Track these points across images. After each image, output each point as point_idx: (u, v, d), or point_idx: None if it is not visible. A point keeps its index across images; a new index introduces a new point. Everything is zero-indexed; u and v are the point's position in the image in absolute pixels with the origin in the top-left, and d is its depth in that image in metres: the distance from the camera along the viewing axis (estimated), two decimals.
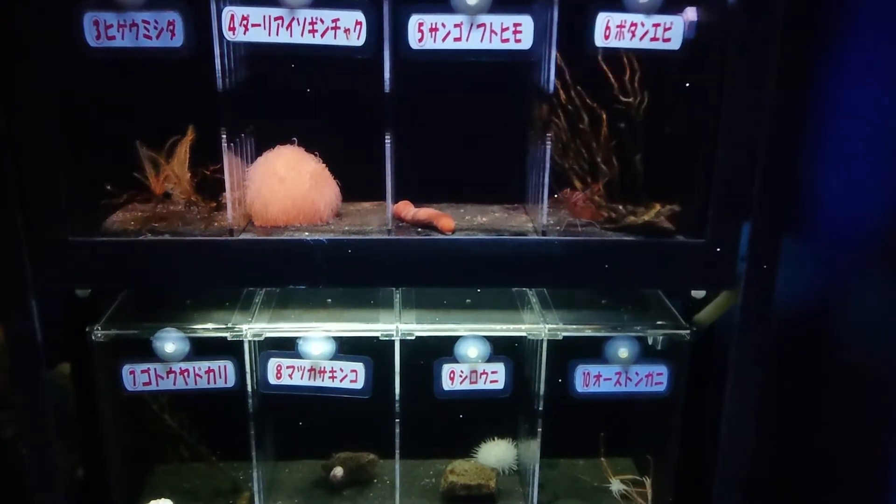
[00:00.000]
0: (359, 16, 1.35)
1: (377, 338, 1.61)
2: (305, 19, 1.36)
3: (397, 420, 1.66)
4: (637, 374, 1.62)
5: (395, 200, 1.54)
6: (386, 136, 1.43)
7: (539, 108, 1.50)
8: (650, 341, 1.66)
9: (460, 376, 1.61)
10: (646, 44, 1.40)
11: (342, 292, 1.77)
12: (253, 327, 1.60)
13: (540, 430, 1.68)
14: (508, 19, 1.37)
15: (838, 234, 1.57)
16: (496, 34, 1.37)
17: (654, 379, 1.63)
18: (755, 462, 1.57)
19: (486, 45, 1.38)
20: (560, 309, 1.70)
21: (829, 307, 1.59)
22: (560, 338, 1.62)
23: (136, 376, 1.59)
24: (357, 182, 1.63)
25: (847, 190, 1.54)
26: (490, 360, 1.61)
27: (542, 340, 1.62)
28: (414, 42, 1.37)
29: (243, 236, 1.48)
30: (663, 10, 1.39)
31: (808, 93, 1.47)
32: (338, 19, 1.36)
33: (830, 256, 1.59)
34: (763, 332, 1.49)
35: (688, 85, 1.52)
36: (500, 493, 1.85)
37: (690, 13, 1.41)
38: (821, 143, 1.59)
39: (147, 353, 1.58)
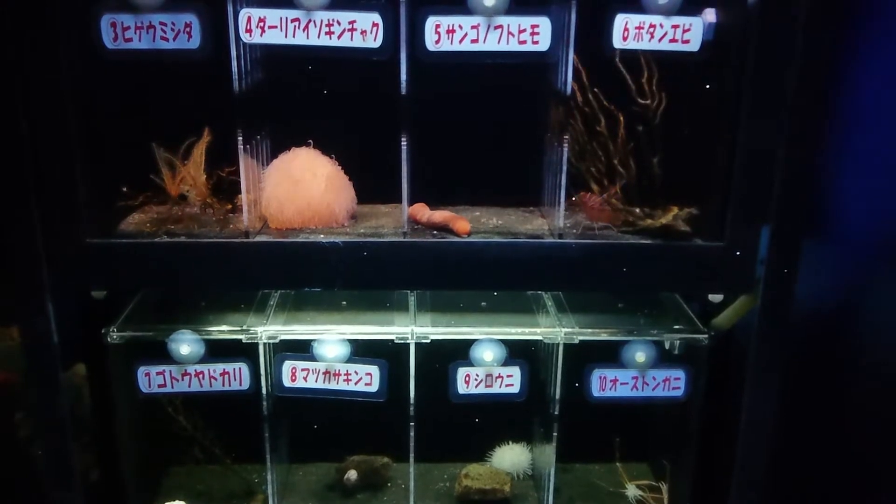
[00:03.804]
0: (375, 17, 1.35)
1: (392, 341, 1.60)
2: (322, 21, 1.36)
3: (412, 423, 1.66)
4: (654, 378, 1.61)
5: (411, 203, 1.53)
6: (402, 138, 1.43)
7: (556, 109, 1.49)
8: (667, 345, 1.64)
9: (475, 380, 1.60)
10: (664, 45, 1.39)
11: (357, 295, 1.77)
12: (268, 329, 1.60)
13: (556, 434, 1.67)
14: (526, 21, 1.36)
15: (858, 237, 1.55)
16: (513, 36, 1.37)
17: (671, 383, 1.62)
18: (773, 467, 1.56)
19: (503, 47, 1.37)
20: (576, 312, 1.69)
21: (849, 310, 1.58)
22: (576, 341, 1.61)
23: (152, 378, 1.59)
24: (373, 184, 1.63)
25: (867, 192, 1.52)
26: (506, 363, 1.60)
27: (558, 344, 1.62)
28: (431, 44, 1.36)
29: (258, 238, 1.48)
30: (682, 11, 1.38)
31: (828, 94, 1.45)
32: (354, 21, 1.36)
33: (850, 259, 1.57)
34: (782, 337, 1.48)
35: (706, 87, 1.50)
36: (514, 498, 1.84)
37: (709, 14, 1.39)
38: (841, 145, 1.57)
39: (162, 354, 1.58)
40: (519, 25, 1.36)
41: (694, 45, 1.40)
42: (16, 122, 1.33)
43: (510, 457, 1.92)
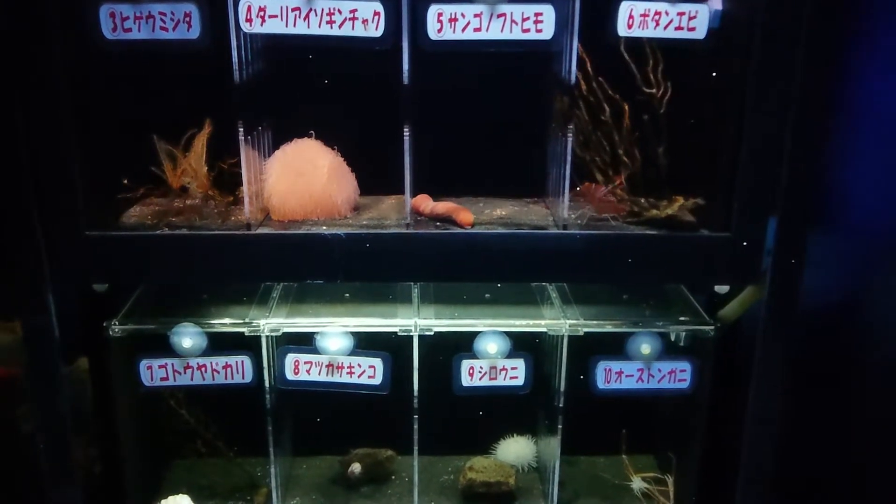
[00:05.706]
0: (377, 6, 1.34)
1: (396, 333, 1.60)
2: (323, 10, 1.34)
3: (416, 416, 1.65)
4: (660, 370, 1.60)
5: (414, 194, 1.52)
6: (405, 129, 1.41)
7: (560, 99, 1.48)
8: (673, 337, 1.63)
9: (480, 372, 1.59)
10: (670, 33, 1.38)
11: (360, 287, 1.76)
12: (270, 322, 1.59)
13: (560, 426, 1.66)
14: (529, 8, 1.35)
15: (865, 228, 1.54)
16: (517, 24, 1.35)
17: (676, 375, 1.61)
18: (780, 460, 1.55)
19: (506, 36, 1.36)
20: (581, 304, 1.68)
21: (857, 301, 1.57)
22: (581, 333, 1.60)
23: (154, 371, 1.58)
24: (375, 175, 1.62)
25: (875, 183, 1.51)
26: (510, 356, 1.59)
27: (562, 336, 1.60)
28: (433, 32, 1.35)
29: (260, 230, 1.48)
30: None
31: (836, 83, 1.44)
32: (356, 10, 1.34)
33: (858, 251, 1.56)
34: (789, 328, 1.47)
35: (713, 75, 1.49)
36: (519, 491, 1.83)
37: (716, 1, 1.38)
38: (848, 134, 1.55)
39: (164, 348, 1.57)
40: (522, 13, 1.35)
41: (700, 33, 1.38)
42: (13, 114, 1.32)
43: (515, 449, 1.92)
